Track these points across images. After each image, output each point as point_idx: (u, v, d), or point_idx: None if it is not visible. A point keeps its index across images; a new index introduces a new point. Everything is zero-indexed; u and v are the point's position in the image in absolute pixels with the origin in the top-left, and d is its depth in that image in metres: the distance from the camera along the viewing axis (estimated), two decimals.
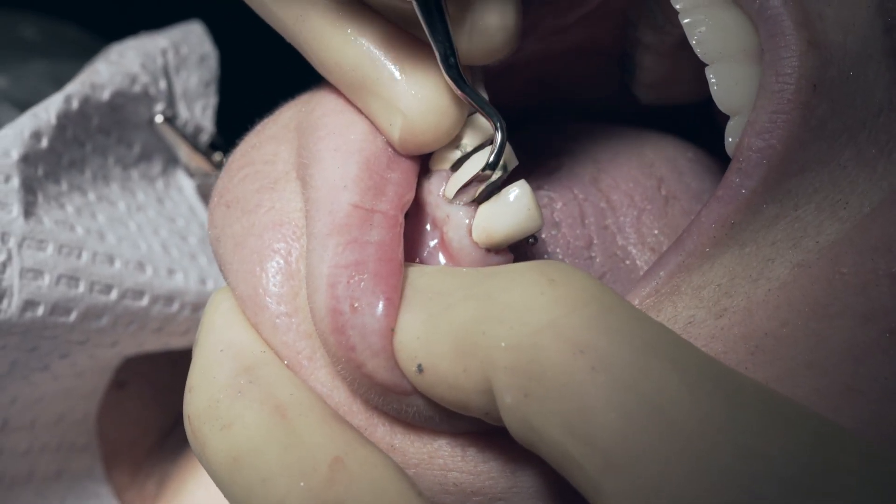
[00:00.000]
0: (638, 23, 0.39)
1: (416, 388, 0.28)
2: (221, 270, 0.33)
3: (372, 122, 0.32)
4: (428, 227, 0.33)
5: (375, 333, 0.28)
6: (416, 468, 0.31)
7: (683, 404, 0.23)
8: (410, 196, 0.32)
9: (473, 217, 0.32)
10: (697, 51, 0.33)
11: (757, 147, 0.30)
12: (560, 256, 0.38)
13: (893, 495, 0.22)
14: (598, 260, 0.39)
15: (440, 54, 0.30)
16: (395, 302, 0.29)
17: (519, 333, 0.25)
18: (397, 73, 0.31)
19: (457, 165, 0.33)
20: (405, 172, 0.31)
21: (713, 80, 0.32)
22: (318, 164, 0.31)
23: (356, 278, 0.29)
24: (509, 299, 0.26)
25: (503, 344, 0.25)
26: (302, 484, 0.26)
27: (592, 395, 0.24)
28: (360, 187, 0.30)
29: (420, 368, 0.27)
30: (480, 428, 0.30)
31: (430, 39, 0.30)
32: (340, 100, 0.33)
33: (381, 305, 0.28)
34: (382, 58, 0.31)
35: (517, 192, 0.31)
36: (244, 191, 0.33)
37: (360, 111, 0.32)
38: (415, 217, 0.34)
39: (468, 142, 0.33)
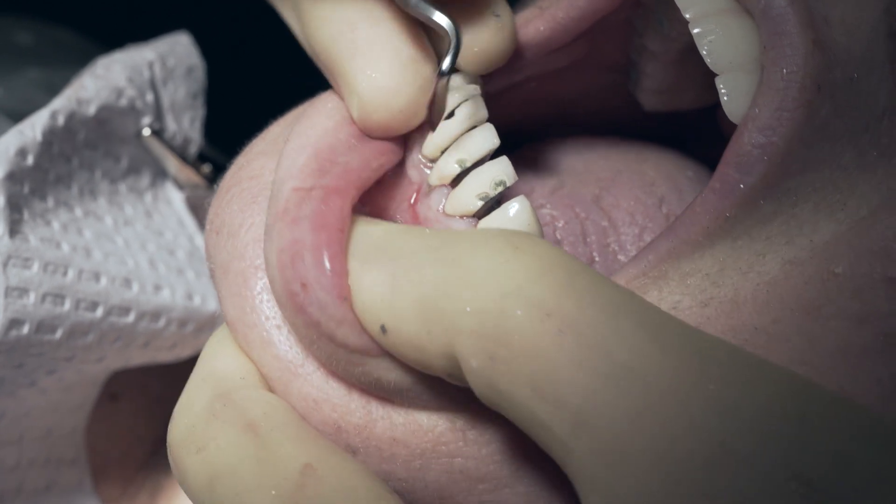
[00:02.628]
0: (644, 31, 0.39)
1: (382, 347, 0.29)
2: (218, 299, 0.34)
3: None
4: None
5: (332, 304, 0.28)
6: (421, 459, 0.31)
7: (653, 361, 0.23)
8: (364, 172, 0.31)
9: None
10: (708, 61, 0.32)
11: (758, 143, 0.30)
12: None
13: (867, 442, 0.22)
14: None
15: None
16: (339, 269, 0.29)
17: (484, 298, 0.25)
18: (356, 56, 0.32)
19: (457, 181, 0.33)
20: (361, 155, 0.32)
21: (723, 91, 0.32)
22: (279, 165, 0.31)
23: (298, 256, 0.29)
24: (475, 265, 0.26)
25: (468, 308, 0.25)
26: (273, 492, 0.27)
27: (560, 357, 0.24)
28: (304, 172, 0.30)
29: (384, 329, 0.28)
30: (464, 399, 0.30)
31: None
32: (317, 106, 0.33)
33: (326, 277, 0.29)
34: (346, 40, 0.32)
35: (517, 208, 0.32)
36: (230, 213, 0.33)
37: (333, 109, 0.33)
38: None
39: (467, 157, 0.33)
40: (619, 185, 0.41)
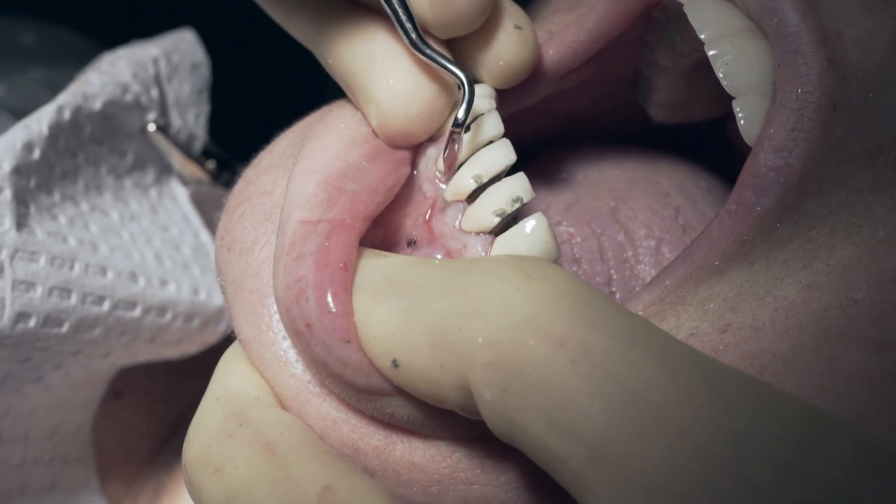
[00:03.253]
0: (655, 46, 0.39)
1: (392, 382, 0.28)
2: (230, 317, 0.33)
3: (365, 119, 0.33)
4: (439, 255, 0.33)
5: (337, 347, 0.28)
6: (438, 485, 0.30)
7: (666, 392, 0.23)
8: (372, 202, 0.31)
9: (490, 249, 0.32)
10: (724, 84, 0.32)
11: (774, 164, 0.30)
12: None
13: (881, 473, 0.22)
14: (617, 296, 0.39)
15: (396, 20, 0.31)
16: (343, 309, 0.28)
17: (496, 328, 0.25)
18: (374, 65, 0.32)
19: (473, 196, 0.33)
20: (369, 182, 0.31)
21: (741, 115, 0.32)
22: (288, 189, 0.31)
23: (302, 295, 0.29)
24: (486, 294, 0.26)
25: (480, 339, 0.25)
26: None
27: (574, 388, 0.23)
28: (312, 203, 0.30)
29: (395, 363, 0.27)
30: (478, 433, 0.30)
31: (385, 8, 0.31)
32: (329, 124, 0.33)
33: (329, 318, 0.28)
34: (363, 51, 0.32)
35: (534, 224, 0.31)
36: (242, 229, 0.33)
37: (344, 129, 0.33)
38: (428, 246, 0.34)
39: (484, 173, 0.33)
40: (635, 197, 0.41)
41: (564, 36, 0.36)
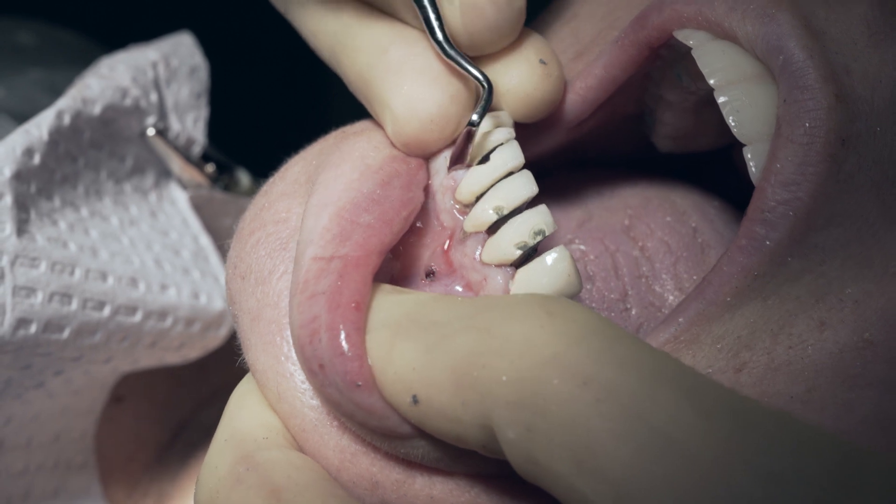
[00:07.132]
0: (661, 82, 0.39)
1: (410, 419, 0.28)
2: (243, 348, 0.33)
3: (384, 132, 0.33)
4: (459, 287, 0.33)
5: (350, 389, 0.28)
6: None
7: (695, 430, 0.23)
8: (387, 235, 0.31)
9: (511, 281, 0.32)
10: (735, 132, 0.32)
11: (783, 199, 0.30)
12: (595, 310, 0.38)
13: None
14: (633, 312, 0.39)
15: (423, 18, 0.31)
16: (356, 351, 0.28)
17: (521, 367, 0.25)
18: (388, 74, 0.32)
19: (494, 228, 0.32)
20: (383, 213, 0.31)
21: (752, 163, 0.32)
22: (304, 222, 0.31)
23: (315, 336, 0.29)
24: (509, 332, 0.25)
25: (504, 378, 0.25)
26: None
27: (599, 427, 0.23)
28: (325, 238, 0.30)
29: (415, 399, 0.27)
30: (494, 470, 0.29)
31: (414, 6, 0.31)
32: (344, 152, 0.33)
33: (341, 360, 0.28)
34: (379, 63, 0.32)
35: (556, 257, 0.31)
36: (257, 258, 0.33)
37: (359, 157, 0.32)
38: (447, 278, 0.33)
39: (505, 204, 0.32)
40: (651, 214, 0.40)
41: (575, 84, 0.36)
